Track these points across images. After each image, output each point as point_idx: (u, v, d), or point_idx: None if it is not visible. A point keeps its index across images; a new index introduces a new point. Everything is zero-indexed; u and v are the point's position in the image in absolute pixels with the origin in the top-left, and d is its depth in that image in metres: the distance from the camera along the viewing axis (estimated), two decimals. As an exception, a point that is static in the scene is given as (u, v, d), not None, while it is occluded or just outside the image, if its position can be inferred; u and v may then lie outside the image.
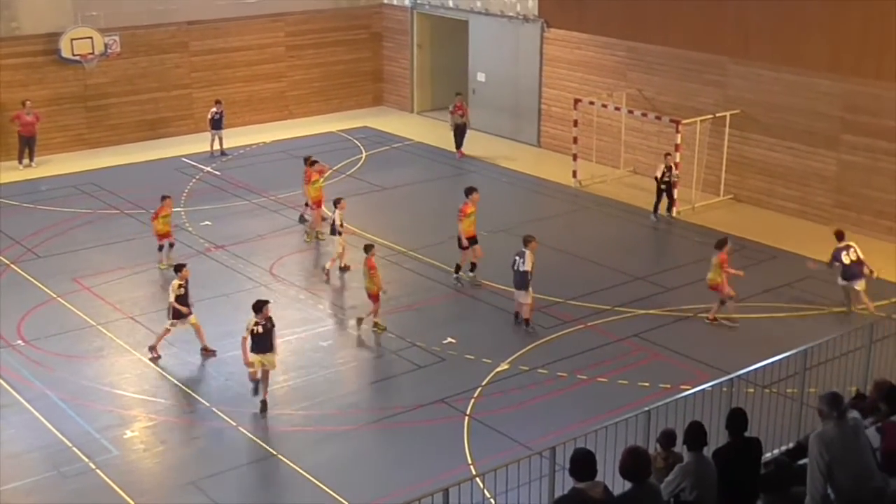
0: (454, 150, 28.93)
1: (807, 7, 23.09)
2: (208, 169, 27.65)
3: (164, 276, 20.28)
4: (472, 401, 15.90)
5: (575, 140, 26.56)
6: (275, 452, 14.57)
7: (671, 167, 23.42)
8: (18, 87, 27.90)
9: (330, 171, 26.01)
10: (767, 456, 10.71)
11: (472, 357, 17.30)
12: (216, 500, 13.56)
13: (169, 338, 17.82)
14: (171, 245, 21.08)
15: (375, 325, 18.29)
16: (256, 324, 15.57)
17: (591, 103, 26.60)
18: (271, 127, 31.64)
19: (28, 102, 27.42)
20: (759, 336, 17.90)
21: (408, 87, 33.75)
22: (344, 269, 20.87)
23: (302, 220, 23.34)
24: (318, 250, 22.37)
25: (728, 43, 24.69)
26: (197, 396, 16.20)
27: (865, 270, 18.41)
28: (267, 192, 25.63)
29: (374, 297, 18.13)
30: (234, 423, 15.31)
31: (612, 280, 20.44)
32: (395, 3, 33.56)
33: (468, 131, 29.06)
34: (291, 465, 14.27)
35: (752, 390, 13.19)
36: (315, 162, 22.79)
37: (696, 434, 9.47)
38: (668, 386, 15.85)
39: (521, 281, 18.07)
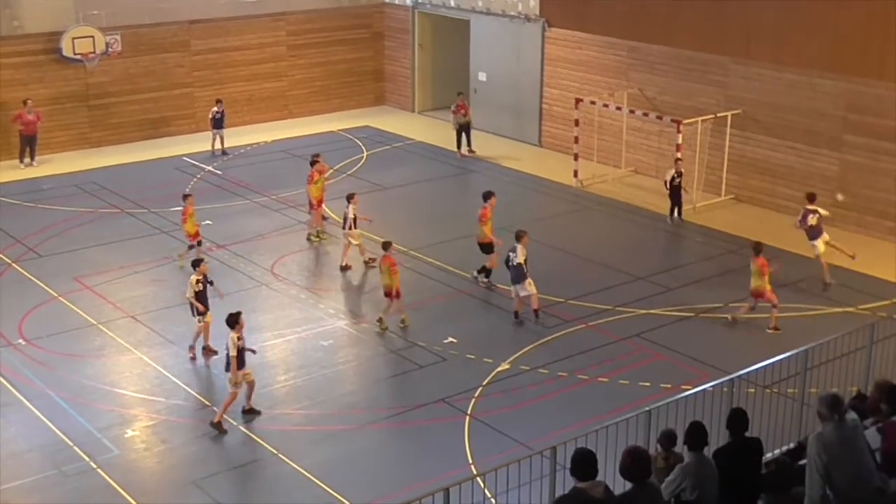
0: (455, 149, 28.94)
1: (809, 7, 23.07)
2: (209, 168, 27.65)
3: (185, 273, 20.25)
4: (473, 400, 15.90)
5: (576, 140, 26.55)
6: (276, 452, 14.57)
7: (681, 172, 23.38)
8: (20, 86, 27.91)
9: (331, 171, 26.00)
10: (768, 456, 10.69)
11: (473, 357, 17.30)
12: (217, 500, 13.56)
13: (169, 336, 17.85)
14: (200, 244, 21.02)
15: (380, 320, 18.34)
16: (240, 338, 15.18)
17: (593, 103, 26.59)
18: (272, 126, 31.64)
19: (29, 101, 27.42)
20: (760, 336, 17.90)
21: (409, 86, 33.76)
22: (345, 267, 20.91)
23: (324, 217, 23.35)
24: (317, 250, 22.37)
25: (730, 43, 24.68)
26: (198, 396, 16.19)
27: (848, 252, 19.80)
28: (268, 192, 25.63)
29: (394, 294, 18.14)
30: (235, 423, 15.31)
31: (613, 280, 20.43)
32: (396, 2, 33.56)
33: (477, 128, 29.12)
34: (292, 464, 14.27)
35: (752, 390, 13.18)
36: (316, 161, 22.77)
37: (696, 434, 9.46)
38: (669, 386, 15.85)
39: (518, 275, 18.28)
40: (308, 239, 22.58)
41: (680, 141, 24.13)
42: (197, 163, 28.04)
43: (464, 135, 28.82)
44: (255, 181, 26.51)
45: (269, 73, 32.16)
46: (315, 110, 33.00)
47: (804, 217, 19.97)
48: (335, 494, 13.55)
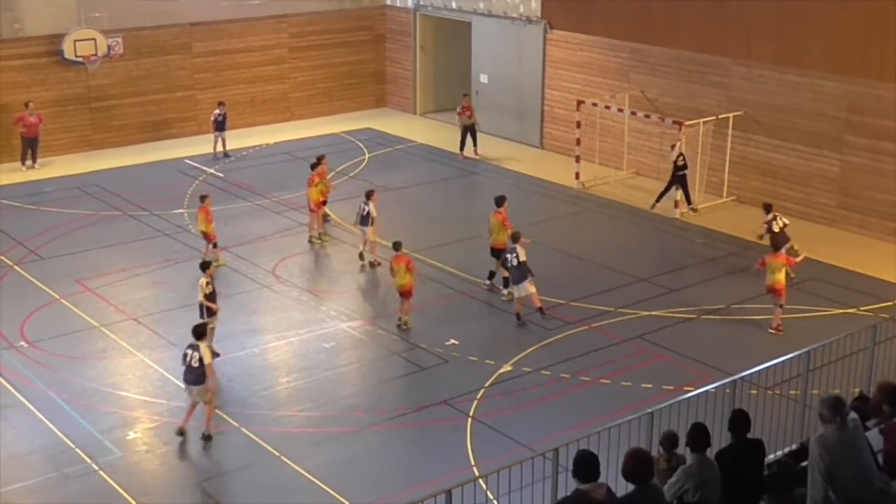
0: (457, 151, 28.97)
1: (810, 8, 23.07)
2: (211, 170, 27.66)
3: (193, 275, 20.29)
4: (475, 402, 15.90)
5: (578, 142, 26.55)
6: (277, 454, 14.56)
7: (682, 154, 23.42)
8: (21, 89, 27.93)
9: (332, 173, 26.01)
10: (770, 457, 10.68)
11: (475, 358, 17.30)
12: (219, 501, 13.58)
13: (171, 339, 17.84)
14: (215, 245, 21.07)
15: (406, 322, 18.39)
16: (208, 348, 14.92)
17: (594, 105, 26.59)
18: (274, 128, 31.65)
19: (31, 104, 27.44)
20: (762, 338, 17.89)
21: (410, 88, 33.77)
22: (374, 264, 21.09)
23: (326, 218, 23.42)
24: (319, 252, 22.37)
25: (731, 44, 24.68)
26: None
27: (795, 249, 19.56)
28: (270, 194, 25.64)
29: (408, 293, 18.16)
30: (237, 425, 15.30)
31: (614, 281, 20.43)
32: (398, 4, 33.58)
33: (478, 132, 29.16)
34: (294, 466, 14.26)
35: (755, 392, 13.17)
36: (317, 164, 22.82)
37: (698, 435, 9.46)
38: (672, 387, 15.84)
39: (519, 275, 18.25)
40: (310, 241, 22.58)
41: (682, 144, 24.10)
42: (199, 165, 28.05)
43: (468, 136, 28.85)
44: (257, 183, 26.52)
45: (270, 75, 32.18)
46: (317, 112, 33.02)
47: (769, 226, 19.89)
48: (337, 496, 13.54)
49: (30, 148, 27.68)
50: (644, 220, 23.99)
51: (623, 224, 24.06)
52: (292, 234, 23.06)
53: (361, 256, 21.31)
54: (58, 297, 19.73)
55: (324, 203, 22.96)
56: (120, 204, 25.02)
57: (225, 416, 15.57)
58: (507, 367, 16.98)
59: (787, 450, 11.30)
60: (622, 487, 8.56)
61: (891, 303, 19.01)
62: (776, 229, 19.82)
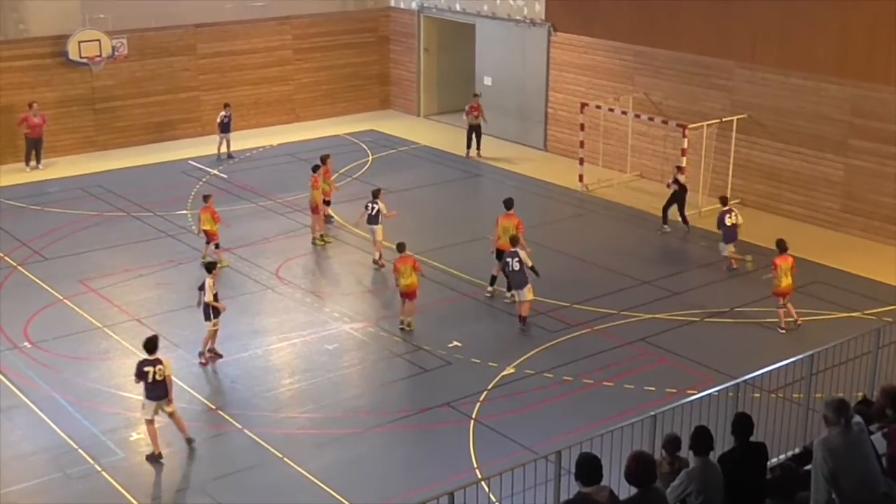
0: (461, 152, 29.07)
1: (814, 11, 23.06)
2: (215, 172, 27.68)
3: (193, 276, 20.29)
4: (478, 404, 15.88)
5: (581, 144, 26.54)
6: (280, 455, 14.56)
7: (676, 180, 23.35)
8: (26, 89, 27.97)
9: (336, 175, 26.02)
10: (773, 461, 10.68)
11: (477, 361, 17.29)
12: (221, 503, 13.55)
13: (174, 340, 17.85)
14: (217, 245, 21.11)
15: (409, 324, 18.36)
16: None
17: (598, 107, 26.58)
18: (278, 130, 31.67)
19: (35, 104, 27.47)
20: (765, 341, 17.87)
21: (414, 90, 33.78)
22: (375, 261, 21.16)
23: (329, 220, 23.46)
24: (322, 254, 22.37)
25: (735, 47, 24.67)
26: (203, 399, 16.20)
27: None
28: (273, 195, 25.66)
29: (413, 295, 18.15)
30: (240, 426, 15.30)
31: (618, 284, 20.41)
32: (402, 6, 33.59)
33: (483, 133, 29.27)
34: (297, 467, 14.26)
35: (758, 395, 13.15)
36: (318, 167, 22.88)
37: (701, 439, 9.44)
38: (675, 390, 15.83)
39: (521, 280, 18.18)
40: (313, 243, 22.59)
41: (685, 145, 24.12)
42: (202, 166, 28.07)
43: (473, 137, 28.93)
44: (261, 185, 26.53)
45: (275, 76, 32.20)
46: (321, 114, 33.03)
47: (721, 219, 20.71)
48: (339, 498, 13.54)
49: (34, 149, 27.72)
50: (647, 222, 23.96)
51: (626, 226, 24.04)
52: (296, 236, 23.06)
53: (376, 262, 21.19)
54: (61, 297, 19.75)
55: (327, 204, 23.03)
56: (123, 205, 25.04)
57: (228, 417, 15.58)
58: (509, 370, 16.97)
59: (790, 453, 11.30)
60: (625, 490, 8.55)
61: (895, 307, 18.98)
62: (728, 223, 20.64)
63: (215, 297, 17.08)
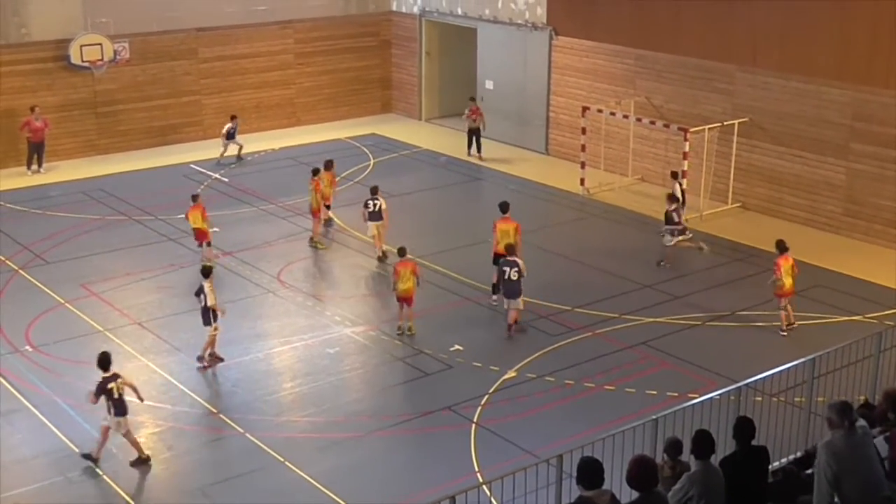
0: (463, 157, 29.22)
1: (815, 15, 23.06)
2: (216, 175, 27.70)
3: (191, 279, 20.31)
4: (480, 408, 15.88)
5: (583, 148, 26.54)
6: (281, 459, 14.55)
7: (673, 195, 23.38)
8: (28, 93, 28.00)
9: (336, 179, 26.05)
10: (775, 465, 10.67)
11: (479, 364, 17.28)
12: (222, 507, 13.56)
13: (176, 343, 17.86)
14: (209, 243, 21.18)
15: (410, 328, 18.35)
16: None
17: (600, 111, 26.59)
18: (280, 134, 31.69)
19: (37, 108, 27.50)
20: (767, 344, 17.86)
21: (416, 94, 33.80)
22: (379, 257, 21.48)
23: (329, 223, 23.51)
24: (324, 257, 22.38)
25: (736, 51, 24.67)
26: (204, 403, 16.20)
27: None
28: (275, 199, 25.67)
29: (411, 300, 18.15)
30: (241, 430, 15.30)
31: (619, 288, 20.41)
32: (403, 10, 33.62)
33: (483, 136, 29.42)
34: (298, 471, 14.26)
35: (759, 399, 13.13)
36: (318, 170, 22.95)
37: (703, 442, 9.44)
38: (676, 394, 15.82)
39: (517, 290, 18.06)
40: (312, 245, 22.58)
41: (687, 149, 24.14)
42: (204, 170, 28.09)
43: (473, 139, 29.14)
44: (262, 188, 26.54)
45: (276, 80, 32.22)
46: (322, 118, 33.05)
47: (670, 219, 21.07)
48: (341, 502, 13.53)
49: (36, 152, 27.73)
50: (648, 226, 23.93)
51: (628, 230, 24.04)
52: (297, 240, 23.07)
53: (380, 258, 21.55)
54: (63, 301, 19.75)
55: (328, 208, 23.11)
56: (125, 209, 25.05)
57: (229, 421, 15.58)
58: (511, 374, 16.96)
59: (791, 457, 11.30)
60: (626, 494, 8.55)
61: (896, 310, 19.00)
62: (676, 219, 21.13)
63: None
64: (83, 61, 28.36)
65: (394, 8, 33.91)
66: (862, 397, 12.27)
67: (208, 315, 17.01)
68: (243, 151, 28.97)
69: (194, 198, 21.50)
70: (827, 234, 23.23)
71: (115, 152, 29.50)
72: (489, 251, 20.11)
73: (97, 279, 20.79)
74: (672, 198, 21.40)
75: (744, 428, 9.79)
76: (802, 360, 12.34)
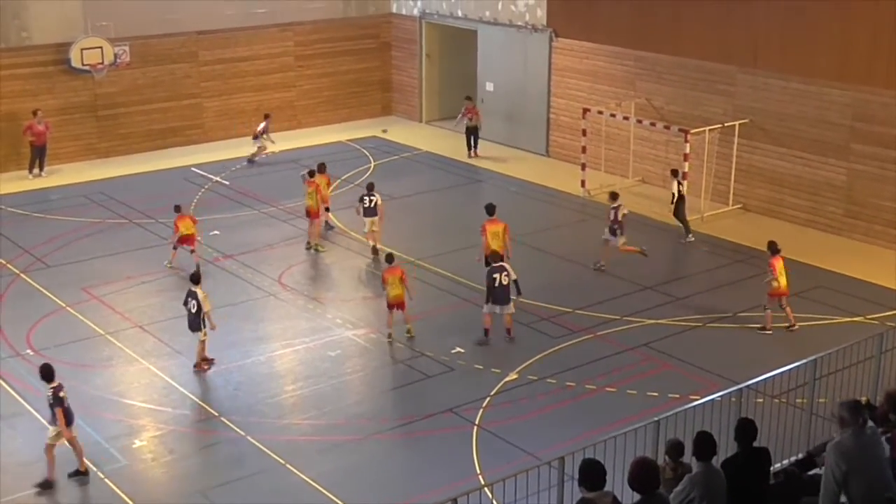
0: (463, 159, 29.29)
1: (816, 16, 23.07)
2: (217, 178, 27.70)
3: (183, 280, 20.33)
4: (481, 411, 15.87)
5: (583, 149, 26.54)
6: (283, 462, 14.55)
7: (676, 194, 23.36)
8: (29, 97, 27.99)
9: (338, 181, 26.05)
10: (777, 466, 10.66)
11: (480, 367, 17.27)
12: (224, 510, 13.56)
13: (177, 347, 17.86)
14: (192, 251, 21.21)
15: (409, 330, 18.35)
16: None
17: (600, 113, 26.59)
18: (280, 136, 31.61)
19: (39, 112, 27.50)
20: (768, 346, 17.85)
21: (416, 96, 33.81)
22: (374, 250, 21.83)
23: (328, 227, 23.56)
24: (325, 260, 22.38)
25: (737, 52, 24.67)
26: (205, 406, 16.20)
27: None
28: (276, 202, 25.67)
29: (403, 305, 18.13)
30: (243, 433, 15.30)
31: (620, 290, 20.40)
32: (403, 13, 33.63)
33: (483, 138, 29.60)
34: (299, 474, 14.25)
35: (761, 400, 13.13)
36: (313, 172, 23.02)
37: (704, 444, 9.43)
38: (678, 396, 15.80)
39: (507, 295, 17.93)
40: (315, 249, 22.58)
41: (687, 150, 24.13)
42: (205, 173, 28.09)
43: (471, 139, 29.42)
44: (263, 191, 26.54)
45: (277, 83, 32.23)
46: (323, 120, 33.07)
47: (615, 215, 20.90)
48: (342, 505, 13.55)
49: (38, 156, 27.73)
50: (649, 228, 23.94)
51: (629, 232, 23.95)
52: (298, 243, 23.06)
53: (374, 250, 21.83)
54: (64, 304, 19.76)
55: (327, 209, 23.18)
56: (126, 212, 25.06)
57: (230, 423, 15.58)
58: (512, 376, 16.96)
59: (793, 458, 11.27)
60: (628, 496, 8.54)
61: (897, 311, 18.99)
62: (619, 217, 20.91)
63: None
64: (84, 65, 28.36)
65: (394, 10, 33.92)
66: (863, 398, 12.24)
67: (198, 321, 16.99)
68: (256, 155, 29.00)
69: (177, 208, 21.57)
70: (828, 235, 23.23)
71: (116, 156, 29.51)
72: (475, 255, 20.01)
73: (98, 282, 20.79)
74: (614, 195, 21.30)
75: (745, 429, 9.79)
76: (804, 361, 12.33)
